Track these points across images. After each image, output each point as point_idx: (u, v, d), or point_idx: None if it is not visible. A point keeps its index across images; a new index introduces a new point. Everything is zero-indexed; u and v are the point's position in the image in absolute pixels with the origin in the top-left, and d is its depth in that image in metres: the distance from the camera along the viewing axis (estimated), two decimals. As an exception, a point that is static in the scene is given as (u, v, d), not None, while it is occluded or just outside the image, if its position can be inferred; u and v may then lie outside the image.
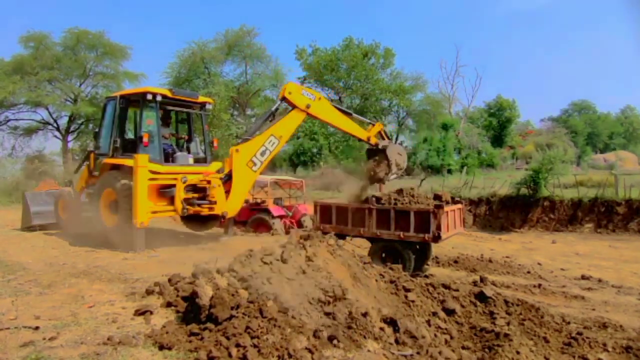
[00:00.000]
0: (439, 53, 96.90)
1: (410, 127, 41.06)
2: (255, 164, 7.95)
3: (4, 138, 29.32)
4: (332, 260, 5.53)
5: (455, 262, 9.60)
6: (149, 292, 4.77)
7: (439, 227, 7.35)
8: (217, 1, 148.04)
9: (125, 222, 7.36)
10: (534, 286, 7.53)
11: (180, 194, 7.69)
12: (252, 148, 7.93)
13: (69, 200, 9.27)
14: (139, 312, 4.20)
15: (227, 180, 8.26)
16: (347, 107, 36.08)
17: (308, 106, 8.07)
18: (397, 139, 40.92)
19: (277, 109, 8.29)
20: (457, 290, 5.19)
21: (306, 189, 15.06)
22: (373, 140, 8.36)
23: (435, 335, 4.25)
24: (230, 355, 3.14)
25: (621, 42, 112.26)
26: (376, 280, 5.17)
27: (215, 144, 9.44)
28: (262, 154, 7.91)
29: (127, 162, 7.56)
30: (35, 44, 26.82)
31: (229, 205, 8.22)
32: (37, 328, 3.67)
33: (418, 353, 3.69)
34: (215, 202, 7.94)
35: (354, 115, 8.69)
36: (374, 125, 8.54)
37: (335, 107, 8.55)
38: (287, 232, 11.23)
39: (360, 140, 8.61)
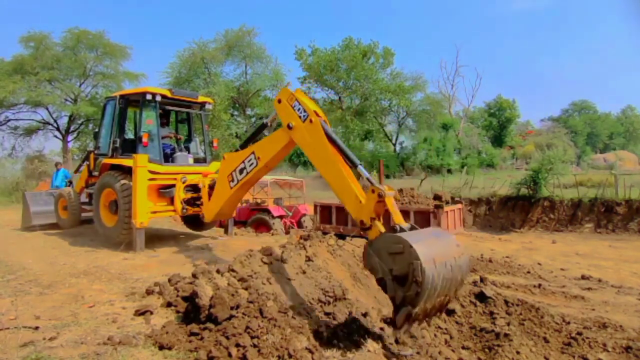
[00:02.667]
0: (439, 53, 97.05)
1: (410, 127, 41.10)
2: (232, 180, 6.51)
3: (4, 138, 29.41)
4: (332, 260, 5.54)
5: (455, 262, 9.58)
6: (149, 292, 4.77)
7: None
8: (217, 1, 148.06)
9: (125, 222, 7.36)
10: (534, 286, 7.53)
11: (179, 194, 7.68)
12: (235, 161, 6.51)
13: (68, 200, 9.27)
14: (139, 312, 4.20)
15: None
16: (347, 108, 36.16)
17: (290, 126, 5.33)
18: (397, 139, 41.10)
19: (270, 121, 6.28)
20: (457, 290, 5.19)
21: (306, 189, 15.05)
22: (373, 234, 4.13)
23: (435, 335, 4.25)
24: (230, 355, 3.15)
25: (622, 42, 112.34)
26: (376, 280, 5.15)
27: (215, 144, 9.43)
28: (241, 171, 6.37)
29: (126, 162, 7.56)
30: (35, 44, 26.85)
31: (206, 208, 7.42)
32: (37, 328, 3.67)
33: (418, 353, 3.69)
34: (202, 203, 7.81)
35: (361, 168, 4.66)
36: (372, 188, 4.24)
37: (336, 144, 4.83)
38: (287, 232, 11.24)
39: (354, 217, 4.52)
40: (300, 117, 5.18)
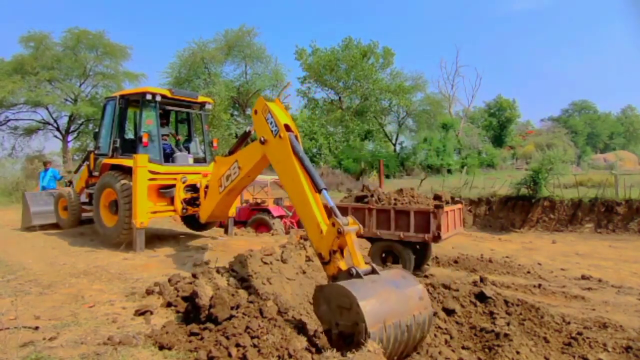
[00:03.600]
0: (439, 53, 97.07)
1: (410, 127, 41.12)
2: (221, 185, 6.41)
3: (4, 138, 29.44)
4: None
5: (455, 262, 9.60)
6: (149, 292, 4.77)
7: (439, 227, 7.36)
8: (217, 1, 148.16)
9: (125, 222, 7.36)
10: (534, 286, 7.53)
11: (179, 194, 7.69)
12: (224, 167, 6.40)
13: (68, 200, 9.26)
14: (139, 312, 4.20)
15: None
16: (347, 108, 36.13)
17: (262, 141, 5.06)
18: (397, 139, 41.10)
19: (253, 129, 5.82)
20: (457, 290, 5.20)
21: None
22: (331, 270, 3.85)
23: (435, 335, 4.25)
24: (230, 355, 3.15)
25: (622, 42, 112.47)
26: (376, 280, 5.16)
27: (215, 144, 9.43)
28: (227, 178, 6.28)
29: (126, 162, 7.56)
30: (35, 44, 26.86)
31: (201, 209, 7.37)
32: (37, 328, 3.67)
33: (418, 353, 3.69)
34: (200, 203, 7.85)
35: (325, 194, 4.26)
36: (333, 221, 3.82)
37: (302, 164, 4.45)
38: (287, 232, 11.22)
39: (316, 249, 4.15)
40: (272, 131, 4.85)
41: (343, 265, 3.74)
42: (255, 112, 5.20)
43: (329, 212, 4.04)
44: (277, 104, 5.09)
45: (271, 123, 4.87)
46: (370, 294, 3.14)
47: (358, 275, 3.41)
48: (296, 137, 4.71)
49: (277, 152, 4.81)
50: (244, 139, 6.33)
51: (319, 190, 4.23)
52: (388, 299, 3.19)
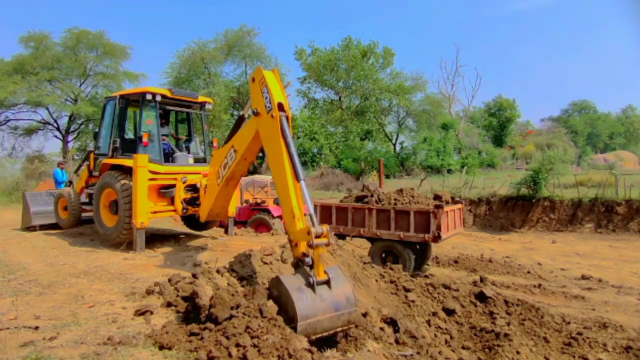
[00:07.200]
0: (439, 53, 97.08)
1: (410, 127, 41.11)
2: (219, 177, 6.39)
3: (4, 138, 29.46)
4: (332, 260, 5.53)
5: (455, 262, 9.61)
6: (149, 292, 4.77)
7: (439, 227, 7.36)
8: (217, 1, 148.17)
9: (125, 222, 7.36)
10: (534, 286, 7.54)
11: (180, 194, 7.68)
12: (220, 157, 6.38)
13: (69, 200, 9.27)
14: (139, 312, 4.20)
15: None
16: (347, 107, 36.09)
17: (256, 112, 5.14)
18: (397, 138, 41.10)
19: (245, 112, 5.99)
20: (457, 290, 5.20)
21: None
22: (296, 252, 4.19)
23: (435, 335, 4.25)
24: (230, 355, 3.14)
25: (622, 42, 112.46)
26: (376, 280, 5.17)
27: (215, 144, 9.44)
28: (224, 166, 6.26)
29: (126, 162, 7.56)
30: (35, 44, 26.89)
31: (201, 208, 7.35)
32: (37, 328, 3.67)
33: (418, 353, 3.69)
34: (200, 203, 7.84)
35: (302, 185, 4.37)
36: (308, 230, 3.94)
37: (288, 150, 4.56)
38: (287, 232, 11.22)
39: (286, 233, 4.74)
40: (265, 106, 4.96)
41: (307, 250, 4.02)
42: (253, 80, 5.29)
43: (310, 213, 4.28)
44: (274, 75, 5.15)
45: (266, 98, 4.98)
46: (310, 313, 3.62)
47: (312, 286, 3.78)
48: (287, 118, 4.82)
49: (267, 128, 4.99)
50: (239, 125, 6.31)
51: (298, 180, 4.41)
52: (322, 320, 3.69)
